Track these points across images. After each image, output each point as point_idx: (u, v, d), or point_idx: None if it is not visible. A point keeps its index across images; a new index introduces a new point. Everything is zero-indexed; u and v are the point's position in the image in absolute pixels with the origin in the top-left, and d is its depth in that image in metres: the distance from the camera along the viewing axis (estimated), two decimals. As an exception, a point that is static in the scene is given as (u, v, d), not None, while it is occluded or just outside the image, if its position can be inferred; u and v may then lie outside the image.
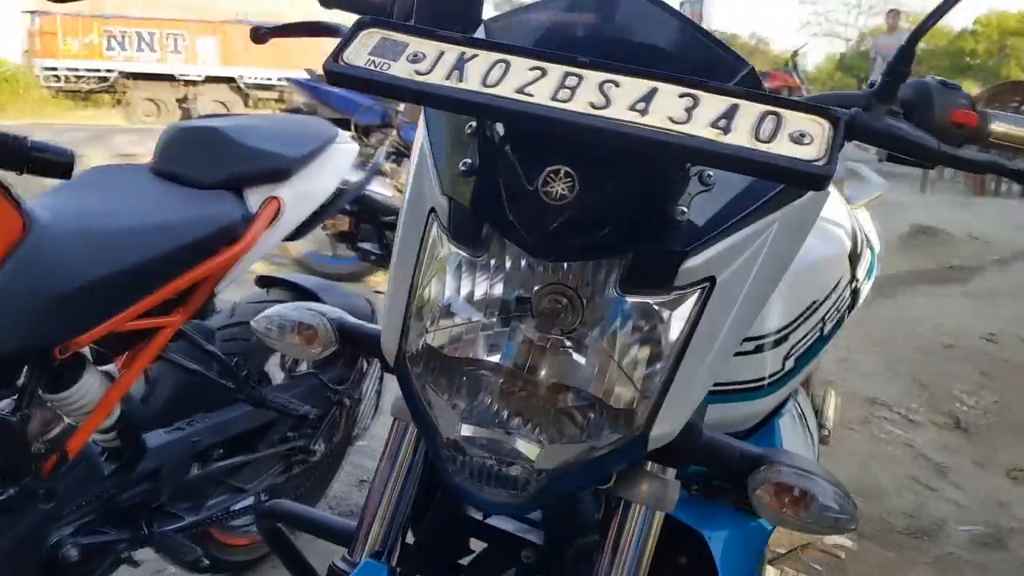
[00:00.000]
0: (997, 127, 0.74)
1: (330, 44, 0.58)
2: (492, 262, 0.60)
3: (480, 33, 0.63)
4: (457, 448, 0.59)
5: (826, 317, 0.89)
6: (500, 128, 0.57)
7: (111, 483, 1.33)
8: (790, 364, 0.82)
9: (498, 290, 0.60)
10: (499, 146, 0.56)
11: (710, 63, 0.58)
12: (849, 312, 0.97)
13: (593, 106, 0.51)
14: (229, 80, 16.14)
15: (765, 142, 0.48)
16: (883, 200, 1.88)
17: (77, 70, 16.04)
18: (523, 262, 0.58)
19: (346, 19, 0.72)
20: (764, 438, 0.83)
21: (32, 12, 15.58)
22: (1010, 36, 25.12)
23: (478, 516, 0.87)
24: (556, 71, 0.53)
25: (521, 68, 0.53)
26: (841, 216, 1.03)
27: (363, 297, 1.78)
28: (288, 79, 4.38)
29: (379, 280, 4.64)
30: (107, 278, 1.19)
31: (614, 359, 0.58)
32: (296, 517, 0.96)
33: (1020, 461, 2.72)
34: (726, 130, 0.49)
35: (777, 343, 0.81)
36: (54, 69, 15.94)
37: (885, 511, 2.40)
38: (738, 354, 0.81)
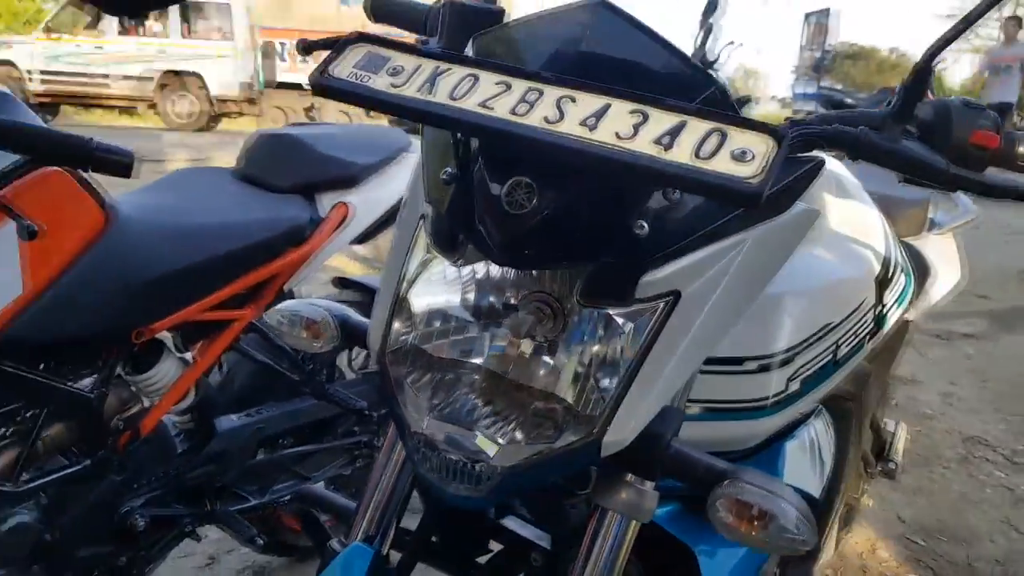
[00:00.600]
0: (1024, 150, 0.71)
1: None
2: (470, 268, 0.63)
3: (469, 47, 0.66)
4: (426, 443, 0.62)
5: (840, 341, 0.87)
6: (475, 140, 0.61)
7: (181, 461, 1.43)
8: (795, 386, 0.81)
9: (472, 295, 0.63)
10: (473, 157, 0.59)
11: (679, 80, 0.59)
12: (871, 339, 0.94)
13: (547, 120, 0.53)
14: (359, 90, 16.80)
15: (705, 159, 0.49)
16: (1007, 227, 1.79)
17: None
18: (499, 269, 0.61)
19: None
20: (767, 460, 0.82)
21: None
22: None
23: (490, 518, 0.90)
24: (520, 86, 0.56)
25: (488, 82, 0.56)
26: (875, 238, 1.00)
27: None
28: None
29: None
30: (182, 271, 1.29)
31: (575, 366, 0.59)
32: (326, 502, 1.01)
33: None
34: (668, 147, 0.50)
35: (783, 364, 0.80)
36: (198, 77, 17.05)
37: (973, 556, 2.26)
38: (740, 373, 0.81)
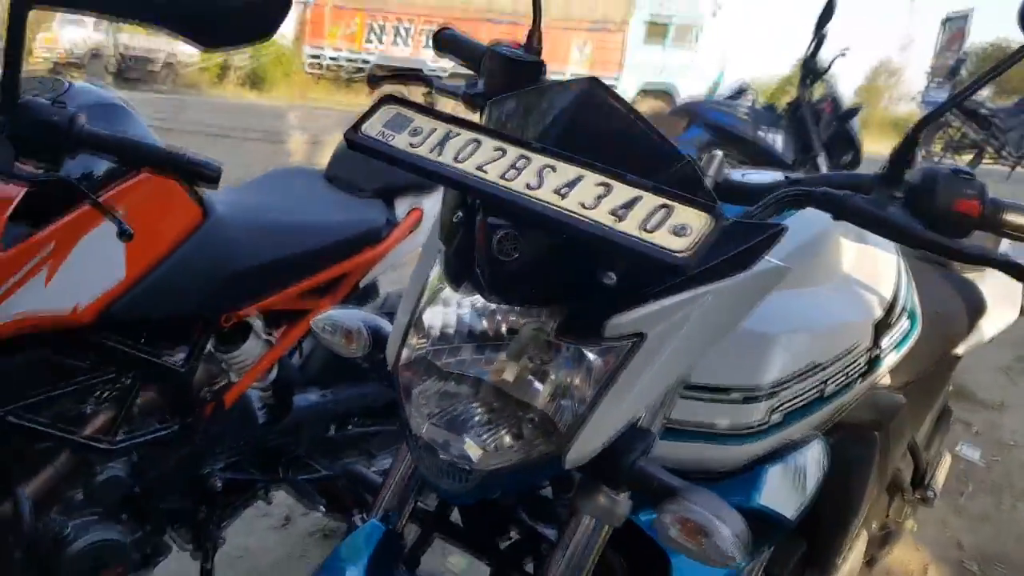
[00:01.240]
0: (1012, 218, 0.76)
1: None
2: (474, 298, 0.73)
3: (487, 109, 0.76)
4: (424, 445, 0.74)
5: (829, 380, 0.92)
6: (475, 194, 0.71)
7: (260, 431, 1.60)
8: (777, 418, 0.88)
9: (475, 321, 0.73)
10: (476, 208, 0.70)
11: (654, 155, 0.67)
12: (863, 379, 0.99)
13: (528, 186, 0.63)
14: (469, 76, 17.13)
15: (649, 231, 0.58)
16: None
17: (337, 59, 17.75)
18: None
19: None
20: (747, 481, 0.90)
21: (305, 0, 17.35)
22: None
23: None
24: (513, 152, 0.66)
25: (488, 147, 0.67)
26: (885, 282, 1.04)
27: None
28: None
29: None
30: (269, 263, 1.45)
31: (551, 388, 0.69)
32: (367, 480, 1.15)
33: None
34: (621, 218, 0.59)
35: (767, 396, 0.87)
36: (318, 56, 17.74)
37: (1033, 592, 2.23)
38: (727, 401, 0.89)
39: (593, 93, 0.70)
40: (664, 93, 17.47)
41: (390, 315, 1.88)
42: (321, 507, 1.69)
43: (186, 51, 15.83)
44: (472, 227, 0.70)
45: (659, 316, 0.67)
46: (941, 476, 1.71)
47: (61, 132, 0.98)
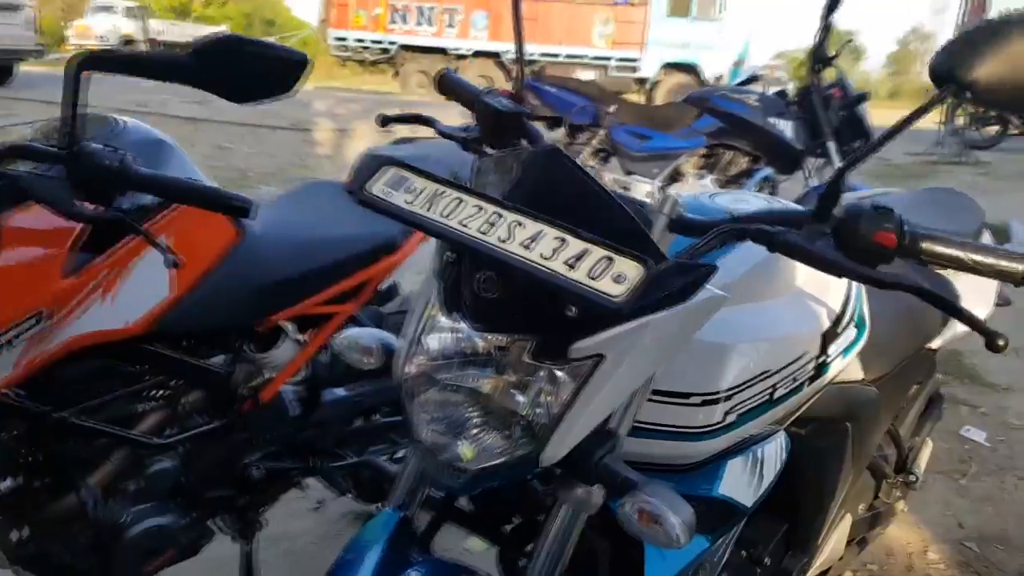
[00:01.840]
0: (928, 246, 0.88)
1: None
2: (464, 323, 0.88)
3: (473, 167, 0.90)
4: (425, 447, 0.89)
5: (778, 385, 1.05)
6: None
7: (293, 425, 1.77)
8: (732, 418, 1.02)
9: (464, 341, 0.88)
10: (462, 253, 0.84)
11: (605, 212, 0.81)
12: (811, 382, 1.12)
13: (500, 239, 0.77)
14: (495, 55, 17.17)
15: (594, 279, 0.72)
16: None
17: (363, 41, 17.89)
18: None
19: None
20: (709, 471, 1.04)
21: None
22: None
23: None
24: (489, 209, 0.80)
25: (468, 205, 0.81)
26: (834, 296, 1.16)
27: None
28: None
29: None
30: (298, 276, 1.61)
31: (530, 399, 0.84)
32: (383, 471, 1.30)
33: None
34: (573, 267, 0.74)
35: (723, 400, 1.01)
36: (343, 39, 17.89)
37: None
38: (687, 405, 1.02)
39: (557, 159, 0.84)
40: (688, 68, 17.39)
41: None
42: (350, 493, 1.86)
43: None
44: (459, 267, 0.84)
45: (614, 340, 0.81)
46: (923, 461, 1.83)
47: (114, 174, 1.13)
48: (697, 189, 4.54)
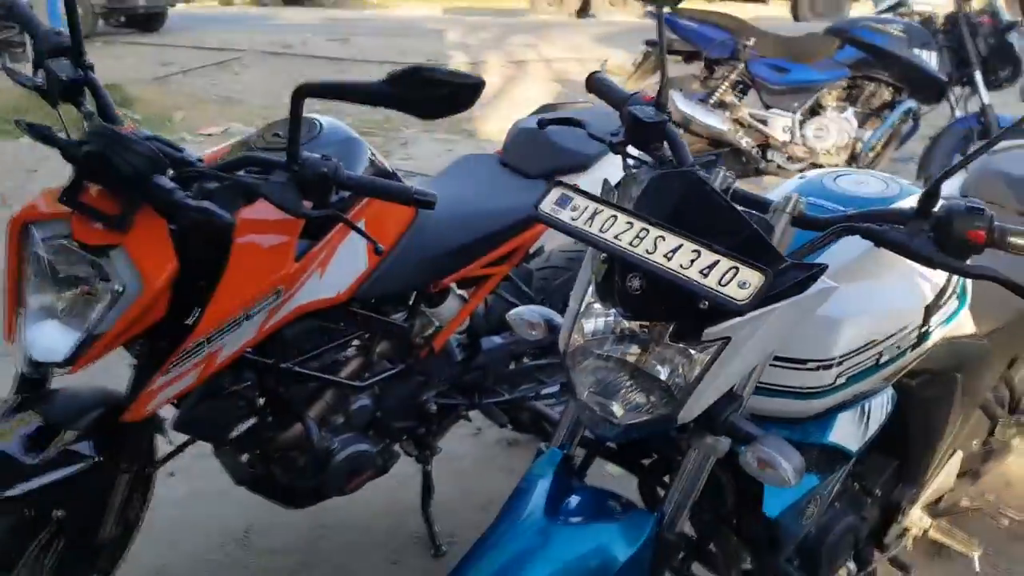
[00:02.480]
0: (1015, 240, 1.04)
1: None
2: (613, 311, 1.11)
3: (623, 186, 1.11)
4: (585, 406, 1.13)
5: (883, 352, 1.22)
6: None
7: (459, 368, 2.07)
8: (841, 380, 1.20)
9: (616, 323, 1.11)
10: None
11: (732, 227, 1.01)
12: (913, 349, 1.28)
13: (647, 251, 0.99)
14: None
15: (723, 285, 0.93)
16: None
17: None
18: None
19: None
20: (819, 423, 1.24)
21: None
22: None
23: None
24: (638, 226, 1.02)
25: (621, 222, 1.03)
26: (938, 273, 1.30)
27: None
28: (650, 13, 4.80)
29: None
30: (462, 245, 1.88)
31: (670, 370, 1.07)
32: (541, 414, 1.57)
33: None
34: (706, 275, 0.95)
35: (836, 365, 1.20)
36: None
37: None
38: (804, 369, 1.22)
39: (693, 180, 1.04)
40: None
41: (555, 268, 2.26)
42: (506, 424, 2.17)
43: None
44: (614, 270, 1.07)
45: (739, 327, 1.02)
46: None
47: (329, 179, 1.41)
48: (837, 123, 4.49)
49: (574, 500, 1.25)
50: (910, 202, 1.19)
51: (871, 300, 1.23)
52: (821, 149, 4.55)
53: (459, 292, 2.02)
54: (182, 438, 1.69)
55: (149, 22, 11.19)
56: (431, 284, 1.88)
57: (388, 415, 1.91)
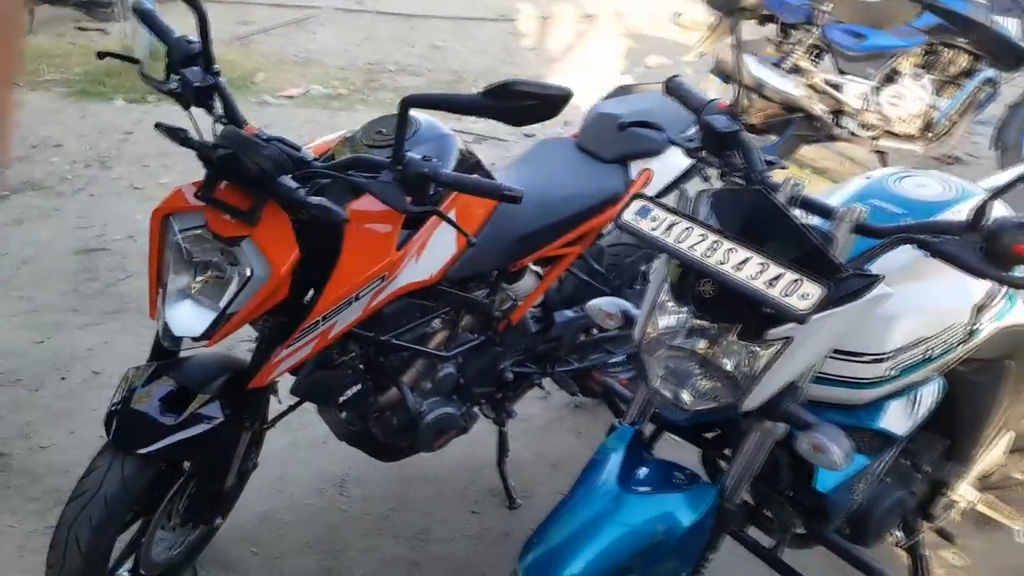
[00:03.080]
0: (1060, 253, 1.14)
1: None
2: (685, 310, 1.25)
3: (699, 199, 1.24)
4: (657, 392, 1.28)
5: (932, 347, 1.33)
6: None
7: (534, 339, 2.23)
8: (893, 372, 1.32)
9: (689, 318, 1.25)
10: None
11: (797, 240, 1.13)
12: (962, 345, 1.38)
13: (719, 262, 1.12)
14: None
15: (787, 296, 1.06)
16: None
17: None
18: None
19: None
20: (871, 410, 1.36)
21: None
22: None
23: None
24: (711, 237, 1.15)
25: (696, 233, 1.16)
26: None
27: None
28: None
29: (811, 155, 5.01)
30: (540, 228, 2.02)
31: (736, 364, 1.21)
32: (615, 392, 1.73)
33: None
34: (772, 285, 1.08)
35: (889, 359, 1.31)
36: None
37: None
38: (859, 362, 1.34)
39: (762, 197, 1.16)
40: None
41: (626, 246, 2.38)
42: (576, 392, 2.33)
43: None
44: (688, 274, 1.21)
45: (800, 329, 1.15)
46: None
47: (430, 179, 1.55)
48: (912, 91, 4.44)
49: (643, 471, 1.41)
50: (967, 207, 1.29)
51: (923, 300, 1.34)
52: (895, 117, 4.51)
53: (535, 269, 2.17)
54: (291, 399, 1.90)
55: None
56: (511, 265, 2.04)
57: (470, 382, 2.09)
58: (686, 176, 2.26)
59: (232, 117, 1.59)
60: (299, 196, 1.46)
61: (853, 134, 4.65)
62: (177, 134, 1.52)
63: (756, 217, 1.17)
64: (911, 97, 4.44)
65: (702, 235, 1.15)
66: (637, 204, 1.23)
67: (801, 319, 1.05)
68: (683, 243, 1.16)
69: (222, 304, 1.50)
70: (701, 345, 1.25)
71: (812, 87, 4.61)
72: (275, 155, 1.47)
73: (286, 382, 1.78)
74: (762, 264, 1.10)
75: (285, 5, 8.75)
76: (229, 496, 1.92)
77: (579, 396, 2.48)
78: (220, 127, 1.56)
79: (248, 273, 1.49)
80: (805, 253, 1.12)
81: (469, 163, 1.85)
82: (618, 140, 2.17)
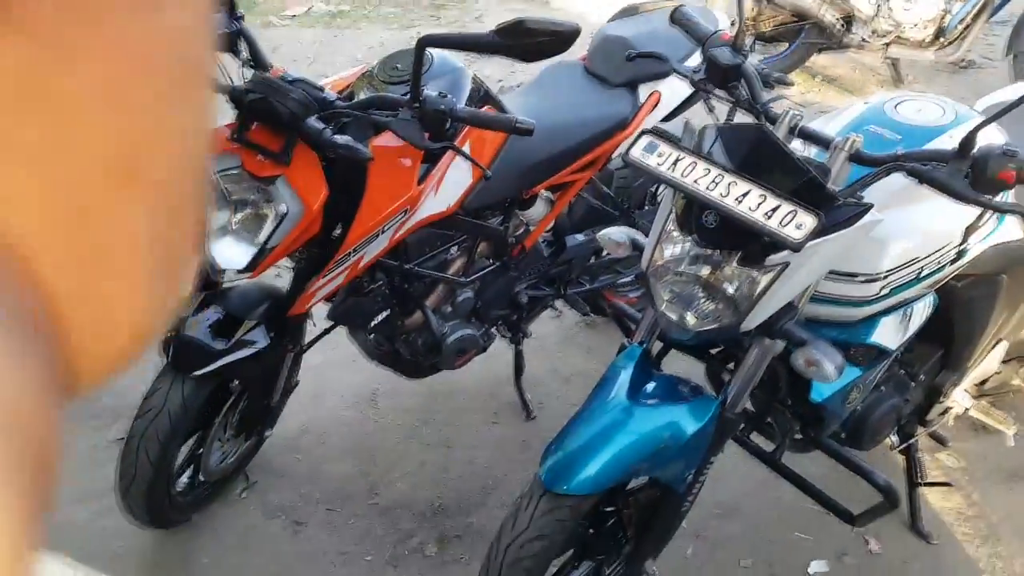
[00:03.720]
0: (1041, 181, 1.22)
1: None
2: (689, 239, 1.34)
3: (704, 136, 1.31)
4: (663, 315, 1.38)
5: (923, 267, 1.42)
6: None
7: (547, 263, 2.33)
8: (886, 291, 1.41)
9: (693, 247, 1.34)
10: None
11: (793, 173, 1.21)
12: (952, 264, 1.47)
13: (721, 195, 1.21)
14: None
15: (783, 225, 1.15)
16: None
17: None
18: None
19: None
20: (864, 326, 1.46)
21: None
22: None
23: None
24: (714, 171, 1.23)
25: (700, 168, 1.24)
26: None
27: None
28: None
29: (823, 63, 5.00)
30: (550, 156, 2.09)
31: (736, 287, 1.30)
32: (623, 311, 1.83)
33: None
34: (769, 216, 1.16)
35: (882, 279, 1.41)
36: None
37: None
38: (853, 282, 1.44)
39: (762, 133, 1.24)
40: None
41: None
42: (587, 312, 2.44)
43: None
44: (692, 205, 1.29)
45: (796, 255, 1.24)
46: None
47: (446, 115, 1.63)
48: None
49: (651, 385, 1.53)
50: (961, 132, 1.36)
51: (915, 222, 1.43)
52: (908, 22, 4.45)
53: (547, 195, 2.25)
54: (325, 323, 2.03)
55: None
56: (524, 192, 2.12)
57: (487, 305, 2.20)
58: (694, 97, 2.30)
59: (258, 60, 1.66)
60: (327, 137, 1.54)
61: (864, 41, 4.60)
62: None
63: (757, 150, 1.25)
64: (924, 1, 4.38)
65: (706, 169, 1.23)
66: (644, 140, 1.31)
67: (796, 247, 1.14)
68: (688, 177, 1.24)
69: (261, 239, 1.60)
70: (704, 271, 1.34)
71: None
72: (302, 98, 1.54)
73: (320, 307, 1.91)
74: (761, 196, 1.18)
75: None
76: (275, 410, 2.08)
77: (590, 315, 2.59)
78: (247, 71, 1.63)
79: (284, 210, 1.58)
80: (802, 184, 1.20)
81: (481, 94, 1.91)
82: (626, 64, 2.21)
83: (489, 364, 2.48)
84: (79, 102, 0.20)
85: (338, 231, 1.70)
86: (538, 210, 2.21)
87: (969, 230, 1.47)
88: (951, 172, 1.25)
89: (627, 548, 1.70)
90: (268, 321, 1.79)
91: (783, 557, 2.05)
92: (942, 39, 4.45)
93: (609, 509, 1.64)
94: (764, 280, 1.28)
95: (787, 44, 4.76)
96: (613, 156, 2.28)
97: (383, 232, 1.74)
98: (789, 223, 1.15)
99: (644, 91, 2.24)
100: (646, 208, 2.55)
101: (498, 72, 4.55)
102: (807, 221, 1.15)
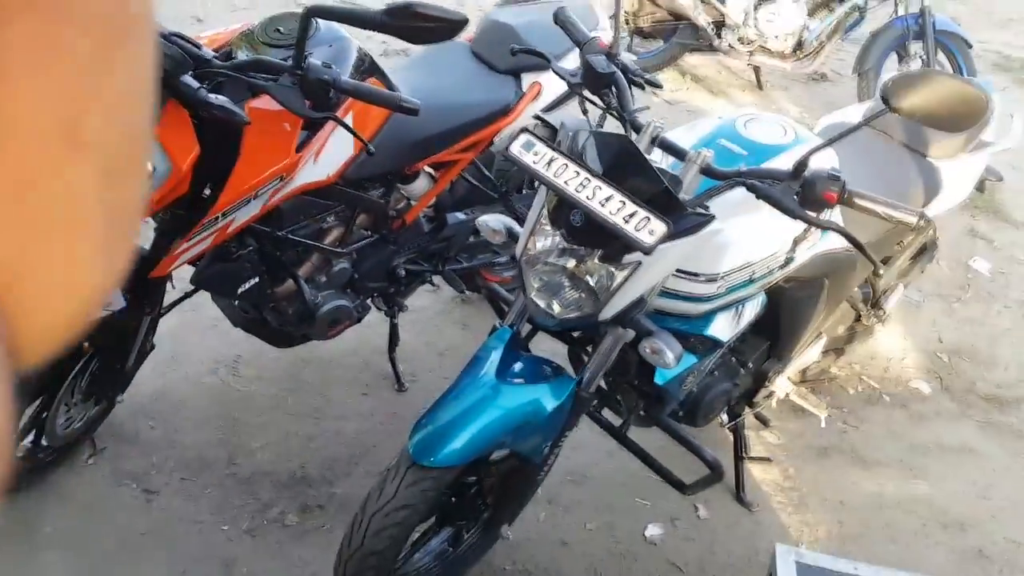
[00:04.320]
0: (858, 202, 1.42)
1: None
2: (558, 235, 1.47)
3: (578, 140, 1.43)
4: (532, 301, 1.51)
5: (755, 269, 1.62)
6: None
7: (426, 239, 2.41)
8: (722, 290, 1.60)
9: (561, 241, 1.47)
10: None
11: (651, 183, 1.35)
12: (781, 269, 1.68)
13: (588, 197, 1.34)
14: None
15: (638, 230, 1.29)
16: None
17: None
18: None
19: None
20: (703, 319, 1.65)
21: None
22: None
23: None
24: (583, 174, 1.35)
25: (571, 170, 1.36)
26: None
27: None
28: None
29: (693, 62, 5.24)
30: (434, 134, 2.16)
31: (598, 280, 1.44)
32: (497, 294, 1.96)
33: None
34: (627, 220, 1.30)
35: (720, 279, 1.59)
36: None
37: (980, 376, 2.92)
38: (695, 280, 1.61)
39: (627, 144, 1.37)
40: None
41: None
42: (463, 291, 2.55)
43: None
44: (563, 203, 1.42)
45: (647, 257, 1.39)
46: (893, 301, 2.42)
47: (330, 85, 1.66)
48: (788, 10, 4.70)
49: (518, 366, 1.66)
50: (797, 153, 1.55)
51: (751, 231, 1.61)
52: (771, 34, 4.78)
53: (430, 172, 2.33)
54: (186, 286, 2.03)
55: None
56: (403, 168, 2.19)
57: (364, 277, 2.26)
58: (572, 93, 2.44)
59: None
60: (202, 96, 1.54)
61: (731, 47, 4.90)
62: None
63: (622, 159, 1.38)
64: (786, 16, 4.71)
65: (576, 172, 1.36)
66: (523, 138, 1.42)
67: (647, 251, 1.29)
68: (560, 178, 1.37)
69: None
70: (570, 263, 1.48)
71: (700, -3, 4.80)
72: (175, 54, 1.54)
73: (183, 269, 1.89)
74: (621, 202, 1.32)
75: None
76: (128, 375, 2.06)
77: (466, 292, 2.70)
78: None
79: (150, 168, 1.58)
80: (657, 193, 1.35)
81: (366, 65, 1.95)
82: (510, 56, 2.31)
83: (363, 335, 2.54)
84: (9, 62, 0.18)
85: (207, 193, 1.69)
86: (420, 186, 2.29)
87: (797, 240, 1.68)
88: (784, 190, 1.43)
89: (486, 514, 1.84)
90: (126, 283, 1.77)
91: (623, 521, 2.25)
92: (799, 52, 4.81)
93: (471, 479, 1.76)
94: (620, 276, 1.42)
95: (662, 41, 5.01)
96: (495, 140, 2.38)
97: (256, 197, 1.75)
98: (643, 228, 1.30)
99: (527, 80, 2.35)
100: (524, 192, 2.68)
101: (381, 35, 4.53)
102: (658, 228, 1.29)
